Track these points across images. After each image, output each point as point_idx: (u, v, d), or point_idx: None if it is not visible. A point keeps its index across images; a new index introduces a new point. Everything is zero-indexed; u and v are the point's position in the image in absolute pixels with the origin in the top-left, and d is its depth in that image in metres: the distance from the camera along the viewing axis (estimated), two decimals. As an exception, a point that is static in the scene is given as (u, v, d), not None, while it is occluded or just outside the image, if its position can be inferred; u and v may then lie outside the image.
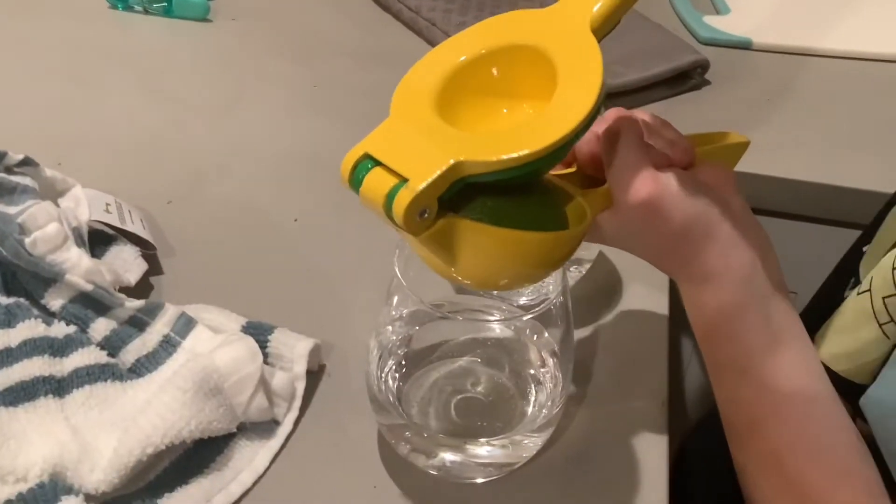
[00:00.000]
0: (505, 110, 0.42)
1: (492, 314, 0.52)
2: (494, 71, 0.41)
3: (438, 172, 0.36)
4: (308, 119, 0.77)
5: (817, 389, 0.46)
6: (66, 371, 0.50)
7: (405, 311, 0.47)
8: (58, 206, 0.57)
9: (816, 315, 0.55)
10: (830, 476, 0.45)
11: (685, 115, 0.78)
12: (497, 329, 0.51)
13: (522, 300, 0.56)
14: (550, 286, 0.47)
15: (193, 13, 0.89)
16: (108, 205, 0.60)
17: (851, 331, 0.52)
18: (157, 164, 0.71)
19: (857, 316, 0.51)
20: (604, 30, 0.41)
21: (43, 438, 0.47)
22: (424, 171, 0.36)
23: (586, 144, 0.47)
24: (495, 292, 0.54)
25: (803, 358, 0.46)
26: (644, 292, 0.61)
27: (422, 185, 0.36)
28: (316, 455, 0.50)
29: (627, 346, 0.58)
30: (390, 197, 0.36)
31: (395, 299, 0.46)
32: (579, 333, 0.58)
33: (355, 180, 0.38)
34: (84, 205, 0.58)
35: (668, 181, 0.44)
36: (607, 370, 0.56)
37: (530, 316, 0.45)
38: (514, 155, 0.37)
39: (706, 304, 0.46)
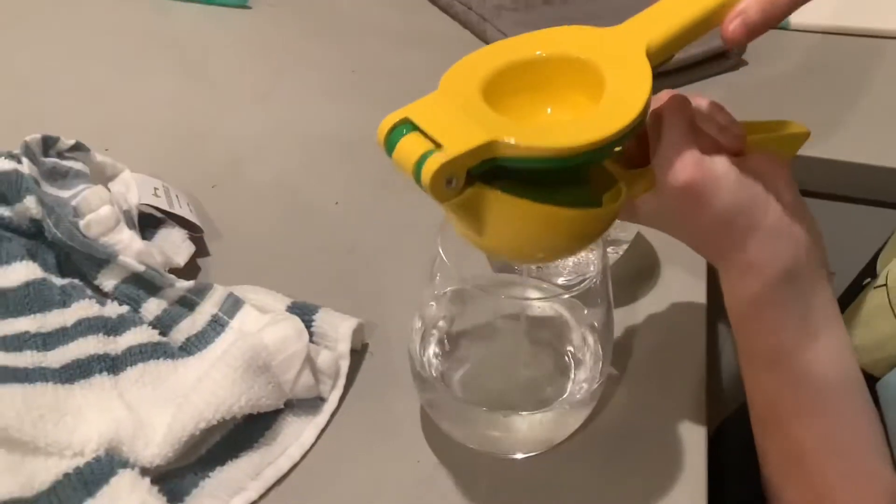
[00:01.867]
0: (549, 110, 0.42)
1: (533, 293, 0.53)
2: (545, 74, 0.42)
3: (473, 145, 0.37)
4: (347, 103, 0.78)
5: (846, 387, 0.46)
6: (119, 349, 0.52)
7: (448, 289, 0.48)
8: (108, 190, 0.59)
9: (851, 298, 0.55)
10: (851, 478, 0.45)
11: (722, 95, 0.78)
12: (538, 308, 0.51)
13: (562, 280, 0.56)
14: (591, 266, 0.47)
15: (233, 0, 0.91)
16: (155, 189, 0.61)
17: (868, 325, 0.51)
18: (201, 149, 0.73)
19: (874, 311, 0.51)
20: (658, 58, 0.42)
21: (98, 414, 0.49)
22: (459, 141, 0.37)
23: None
24: (534, 268, 0.54)
25: (837, 354, 0.46)
26: (682, 273, 0.62)
27: (454, 154, 0.36)
28: (360, 430, 0.51)
29: (666, 327, 0.58)
30: (421, 161, 0.37)
31: (438, 278, 0.46)
32: (618, 314, 0.59)
33: (390, 142, 0.39)
34: (133, 189, 0.60)
35: (713, 166, 0.43)
36: (646, 350, 0.57)
37: (571, 295, 0.46)
38: (550, 146, 0.37)
39: (744, 293, 0.46)
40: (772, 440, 0.48)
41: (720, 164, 0.43)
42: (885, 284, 0.50)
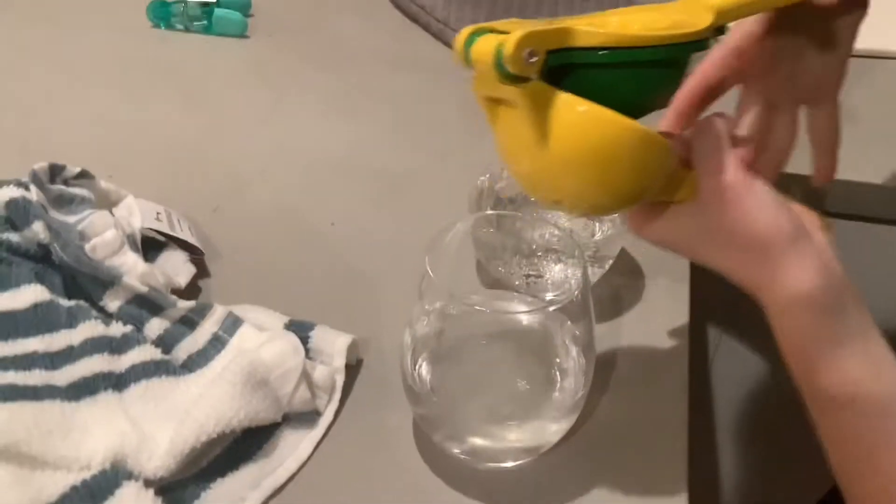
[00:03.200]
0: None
1: (519, 307, 0.55)
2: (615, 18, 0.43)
3: (552, 27, 0.39)
4: (341, 126, 0.81)
5: None
6: (124, 367, 0.54)
7: (437, 305, 0.50)
8: (113, 215, 0.61)
9: None
10: None
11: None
12: (524, 321, 0.54)
13: (549, 296, 0.59)
14: (573, 281, 0.49)
15: (232, 30, 0.94)
16: (158, 213, 0.64)
17: None
18: (202, 174, 0.75)
19: None
20: (725, 19, 0.44)
21: (104, 429, 0.51)
22: (538, 25, 0.39)
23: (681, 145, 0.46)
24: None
25: None
26: (665, 289, 0.64)
27: (534, 28, 0.38)
28: (355, 443, 0.53)
29: (650, 339, 0.61)
30: (500, 46, 0.38)
31: (427, 295, 0.49)
32: (604, 327, 0.61)
33: (468, 43, 0.40)
34: (136, 214, 0.63)
35: (756, 180, 0.42)
36: (631, 360, 0.59)
37: (554, 308, 0.48)
38: (625, 33, 0.40)
39: (794, 329, 0.43)
40: (861, 483, 0.44)
41: (762, 182, 0.43)
42: None
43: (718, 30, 0.44)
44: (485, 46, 0.40)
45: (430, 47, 0.92)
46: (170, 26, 0.95)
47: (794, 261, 0.42)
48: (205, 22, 0.94)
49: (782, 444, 0.87)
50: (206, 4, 0.94)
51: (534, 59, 0.38)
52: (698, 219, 0.44)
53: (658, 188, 0.44)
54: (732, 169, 0.42)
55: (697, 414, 0.58)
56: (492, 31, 0.40)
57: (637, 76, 0.41)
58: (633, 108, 0.41)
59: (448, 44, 0.92)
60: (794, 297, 0.42)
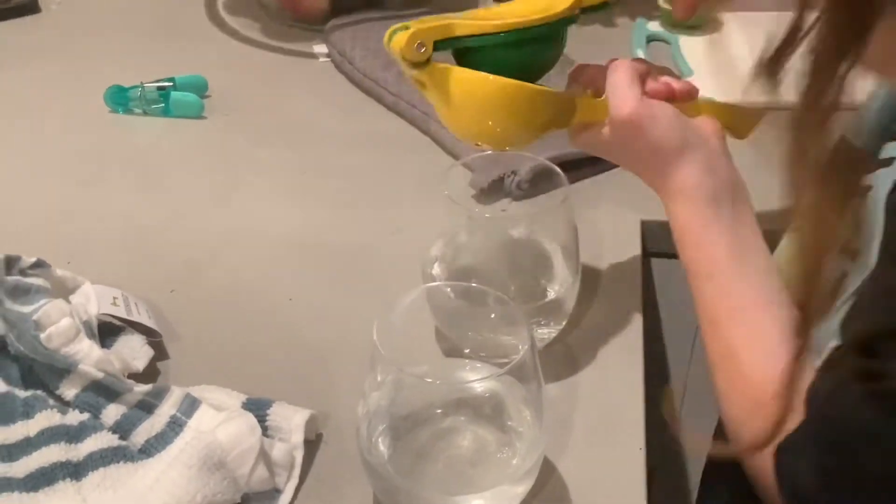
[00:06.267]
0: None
1: (470, 375, 0.56)
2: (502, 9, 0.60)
3: (436, 24, 0.55)
4: (297, 204, 0.82)
5: (772, 298, 0.54)
6: (81, 456, 0.54)
7: (388, 377, 0.51)
8: (69, 302, 0.62)
9: None
10: (772, 365, 0.49)
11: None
12: (477, 388, 0.54)
13: (503, 361, 0.59)
14: (520, 347, 0.50)
15: (189, 112, 0.95)
16: (115, 298, 0.64)
17: None
18: (160, 257, 0.76)
19: None
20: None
21: (62, 520, 0.51)
22: (430, 22, 0.55)
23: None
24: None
25: (763, 270, 0.55)
26: (619, 346, 0.65)
27: (421, 26, 0.54)
28: (317, 519, 0.54)
29: (604, 398, 0.62)
30: (400, 35, 0.54)
31: (378, 368, 0.50)
32: (559, 388, 0.62)
33: (388, 40, 0.56)
34: (93, 300, 0.63)
35: (652, 106, 0.56)
36: (586, 421, 0.60)
37: (502, 373, 0.49)
38: (489, 23, 0.57)
39: (677, 214, 0.57)
40: (710, 341, 0.56)
41: (660, 107, 0.56)
42: None
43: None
44: (396, 42, 0.55)
45: (384, 121, 0.94)
46: (128, 111, 0.96)
47: (679, 166, 0.56)
48: (162, 105, 0.96)
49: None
50: (163, 88, 0.96)
51: (423, 50, 0.55)
52: (610, 137, 0.58)
53: (557, 118, 0.59)
54: (631, 103, 0.55)
55: (660, 469, 0.59)
56: (406, 28, 0.55)
57: (508, 51, 0.58)
58: (526, 72, 0.58)
59: (402, 116, 0.95)
60: (675, 191, 0.57)
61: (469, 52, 0.58)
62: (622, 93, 0.56)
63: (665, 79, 0.59)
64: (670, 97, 0.58)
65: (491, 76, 0.56)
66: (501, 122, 0.58)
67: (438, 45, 0.56)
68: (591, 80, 0.60)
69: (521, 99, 0.57)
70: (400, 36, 0.54)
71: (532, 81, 0.58)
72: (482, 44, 0.57)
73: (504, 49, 0.58)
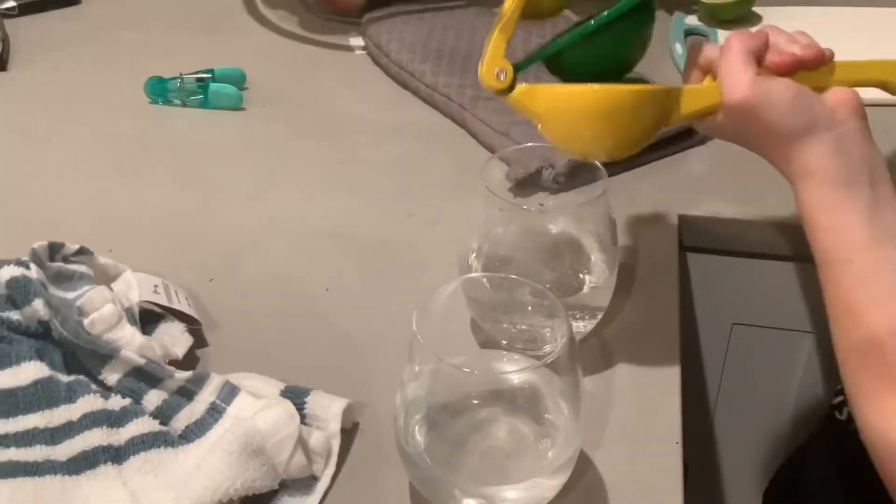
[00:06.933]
0: None
1: (506, 366, 0.56)
2: None
3: (491, 47, 0.54)
4: (334, 196, 0.82)
5: None
6: (122, 440, 0.55)
7: (427, 368, 0.51)
8: (111, 289, 0.62)
9: None
10: None
11: (689, 169, 0.82)
12: (514, 380, 0.55)
13: (547, 348, 0.59)
14: (558, 337, 0.50)
15: (227, 104, 0.96)
16: (156, 286, 0.65)
17: None
18: (199, 246, 0.77)
19: None
20: None
21: (103, 502, 0.52)
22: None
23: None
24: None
25: None
26: (655, 341, 0.65)
27: (492, 52, 0.54)
28: (353, 507, 0.54)
29: (641, 392, 0.61)
30: (480, 66, 0.55)
31: (417, 358, 0.50)
32: (594, 382, 0.62)
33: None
34: (134, 287, 0.64)
35: (767, 88, 0.53)
36: (622, 415, 0.60)
37: (540, 365, 0.49)
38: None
39: (803, 198, 0.54)
40: (846, 334, 0.52)
41: (778, 88, 0.53)
42: None
43: None
44: (480, 76, 0.55)
45: (420, 113, 0.94)
46: (167, 102, 0.97)
47: (803, 149, 0.53)
48: (201, 96, 0.96)
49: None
50: (202, 79, 0.97)
51: (503, 76, 0.54)
52: (725, 123, 0.56)
53: (666, 114, 0.55)
54: (742, 88, 0.53)
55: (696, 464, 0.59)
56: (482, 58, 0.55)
57: (595, 41, 0.57)
58: (617, 64, 0.58)
59: (437, 108, 0.95)
60: (800, 174, 0.54)
61: (558, 58, 0.57)
62: (733, 77, 0.53)
63: (792, 48, 0.55)
64: (799, 67, 0.55)
65: (576, 88, 0.53)
66: (601, 133, 0.55)
67: (519, 66, 0.54)
68: (708, 62, 0.58)
69: (616, 103, 0.54)
70: (479, 68, 0.54)
71: (630, 67, 0.56)
72: (562, 46, 0.55)
73: (590, 40, 0.56)
